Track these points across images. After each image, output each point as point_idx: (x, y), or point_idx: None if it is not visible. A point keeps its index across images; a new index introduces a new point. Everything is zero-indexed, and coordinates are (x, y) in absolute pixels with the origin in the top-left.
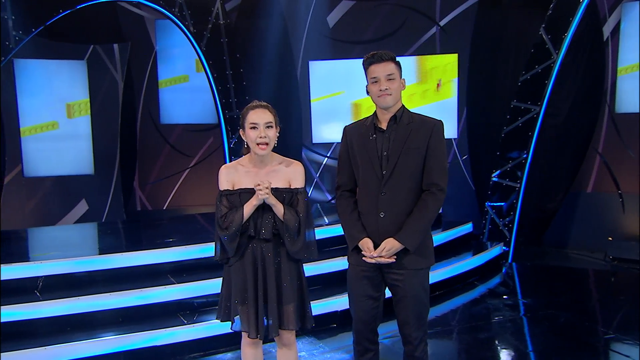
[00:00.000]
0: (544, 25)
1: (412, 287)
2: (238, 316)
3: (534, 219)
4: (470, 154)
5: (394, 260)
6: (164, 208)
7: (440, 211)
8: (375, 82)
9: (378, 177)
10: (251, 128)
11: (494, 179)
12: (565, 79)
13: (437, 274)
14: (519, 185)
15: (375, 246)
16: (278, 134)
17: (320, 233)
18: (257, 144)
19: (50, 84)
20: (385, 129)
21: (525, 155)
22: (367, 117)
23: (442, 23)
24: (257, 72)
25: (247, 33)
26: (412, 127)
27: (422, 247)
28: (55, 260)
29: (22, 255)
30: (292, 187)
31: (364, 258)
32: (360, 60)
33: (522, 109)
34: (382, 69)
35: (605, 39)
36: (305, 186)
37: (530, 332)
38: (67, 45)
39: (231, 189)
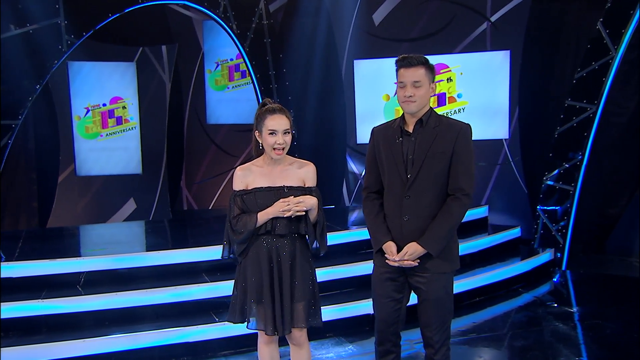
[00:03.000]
0: (601, 19)
1: (435, 290)
2: (253, 317)
3: (594, 225)
4: (522, 156)
5: (417, 263)
6: (210, 208)
7: (486, 214)
8: (402, 86)
9: (403, 181)
10: (269, 134)
11: (547, 181)
12: (631, 75)
13: (477, 280)
14: (573, 189)
15: (399, 249)
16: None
17: (355, 235)
18: (274, 149)
19: (102, 85)
20: (411, 132)
21: (580, 157)
22: (395, 120)
23: (493, 19)
24: (300, 71)
25: (291, 33)
26: (438, 130)
27: (446, 251)
28: (96, 257)
29: (67, 251)
30: (306, 186)
31: (387, 261)
32: None
33: (577, 108)
34: (410, 75)
35: None
36: (317, 186)
37: (570, 342)
38: (117, 47)
39: (246, 189)
